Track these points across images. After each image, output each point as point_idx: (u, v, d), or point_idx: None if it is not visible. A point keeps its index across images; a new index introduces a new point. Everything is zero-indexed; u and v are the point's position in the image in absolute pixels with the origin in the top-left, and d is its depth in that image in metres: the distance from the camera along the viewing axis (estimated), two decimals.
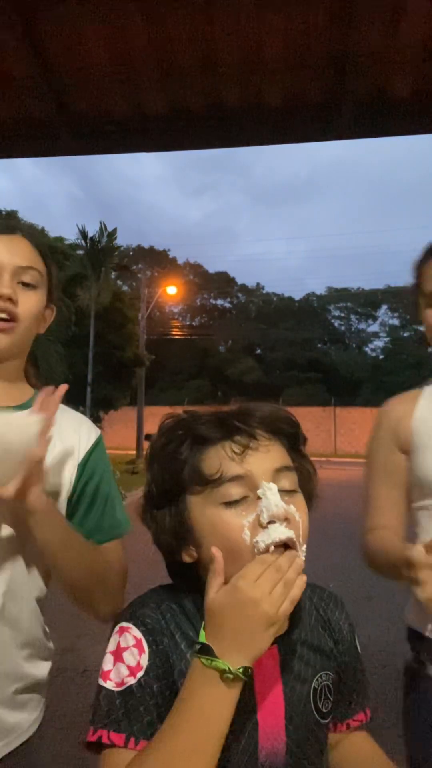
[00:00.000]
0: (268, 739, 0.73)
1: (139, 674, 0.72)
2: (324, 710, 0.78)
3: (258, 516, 0.69)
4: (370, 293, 45.79)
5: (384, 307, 45.62)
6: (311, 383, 35.87)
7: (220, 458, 0.72)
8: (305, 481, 0.78)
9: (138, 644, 0.74)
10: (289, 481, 0.74)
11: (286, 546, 0.69)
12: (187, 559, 0.77)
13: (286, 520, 0.69)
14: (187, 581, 0.80)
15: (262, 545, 0.68)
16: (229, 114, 2.26)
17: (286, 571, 0.66)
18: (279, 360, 40.53)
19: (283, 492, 0.71)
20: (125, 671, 0.73)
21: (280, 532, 0.68)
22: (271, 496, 0.69)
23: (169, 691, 0.72)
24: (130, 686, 0.72)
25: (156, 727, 0.69)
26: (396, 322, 45.01)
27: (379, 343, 45.43)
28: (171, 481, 0.75)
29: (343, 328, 47.67)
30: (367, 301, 45.91)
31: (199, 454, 0.74)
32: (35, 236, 1.06)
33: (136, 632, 0.75)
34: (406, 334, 43.29)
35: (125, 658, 0.74)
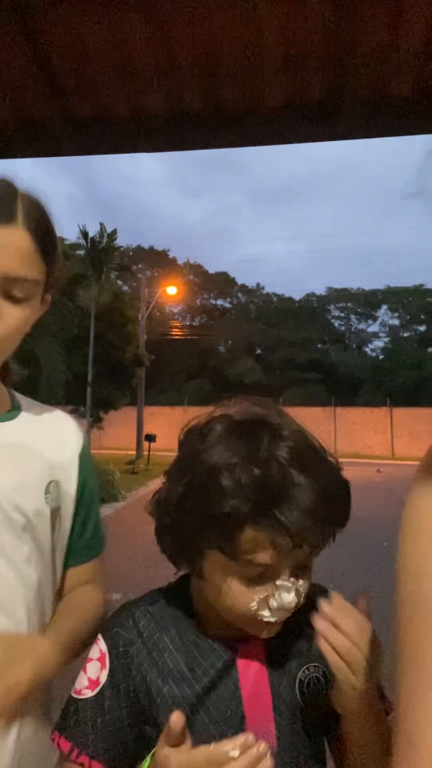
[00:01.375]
0: (257, 731, 0.71)
1: (96, 689, 0.75)
2: (314, 702, 0.76)
3: (268, 597, 0.70)
4: (370, 293, 45.80)
5: (384, 307, 45.64)
6: (311, 383, 35.87)
7: (255, 542, 0.67)
8: (326, 537, 0.74)
9: (101, 659, 0.77)
10: (310, 558, 0.73)
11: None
12: (194, 574, 0.78)
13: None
14: (186, 586, 0.83)
15: (266, 620, 0.70)
16: (229, 114, 2.26)
17: None
18: (279, 360, 40.54)
19: (298, 567, 0.71)
20: (85, 682, 0.76)
21: (282, 614, 0.71)
22: (285, 596, 0.70)
23: (126, 707, 0.74)
24: (86, 699, 0.75)
25: (98, 746, 0.72)
26: (396, 322, 45.05)
27: (379, 343, 45.50)
28: (197, 532, 0.70)
29: (343, 328, 47.69)
30: (367, 301, 45.93)
31: (235, 529, 0.67)
32: (39, 221, 0.83)
33: (103, 646, 0.77)
34: (406, 334, 43.33)
35: (88, 669, 0.77)
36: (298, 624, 0.78)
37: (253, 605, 0.70)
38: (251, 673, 0.75)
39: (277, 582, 0.69)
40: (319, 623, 0.66)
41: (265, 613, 0.70)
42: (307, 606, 0.77)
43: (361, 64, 2.00)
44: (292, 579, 0.70)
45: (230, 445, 0.69)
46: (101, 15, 1.87)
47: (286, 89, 2.17)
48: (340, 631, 0.65)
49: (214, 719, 0.72)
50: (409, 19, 1.84)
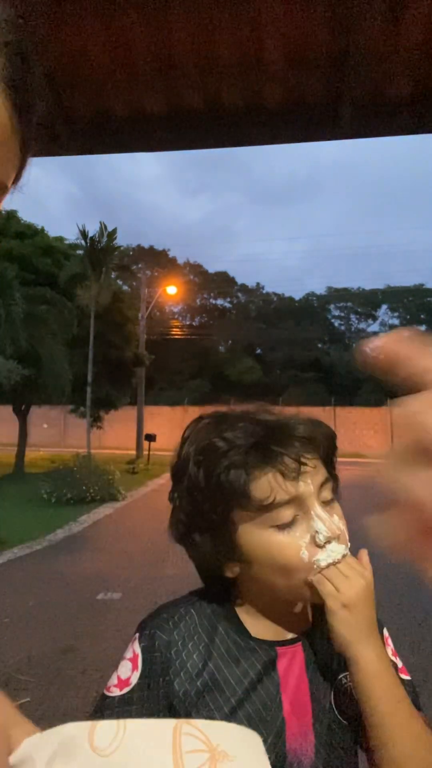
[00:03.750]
0: (296, 738, 0.72)
1: (125, 689, 0.73)
2: (348, 712, 0.75)
3: (313, 536, 0.70)
4: (370, 293, 45.81)
5: (384, 307, 45.65)
6: (311, 383, 35.85)
7: (269, 484, 0.70)
8: (336, 486, 0.78)
9: (134, 659, 0.75)
10: (329, 491, 0.74)
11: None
12: (228, 574, 0.77)
13: (338, 536, 0.71)
14: (224, 588, 0.81)
15: (324, 563, 0.70)
16: (228, 114, 2.26)
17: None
18: (279, 360, 40.53)
19: (325, 503, 0.72)
20: (115, 680, 0.75)
21: (338, 551, 0.70)
22: (325, 519, 0.71)
23: (156, 712, 0.72)
24: (113, 697, 0.73)
25: None
26: (396, 322, 45.01)
27: None
28: (215, 507, 0.73)
29: (343, 328, 47.69)
30: (367, 301, 45.92)
31: (247, 481, 0.70)
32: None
33: (137, 647, 0.76)
34: None
35: (120, 668, 0.76)
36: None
37: (303, 552, 0.70)
38: (292, 677, 0.75)
39: (312, 513, 0.70)
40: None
41: (320, 556, 0.70)
42: None
43: (361, 64, 2.00)
44: (326, 509, 0.72)
45: (220, 427, 0.75)
46: (101, 15, 1.87)
47: (286, 89, 2.17)
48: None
49: (255, 722, 0.71)
50: (408, 19, 1.85)
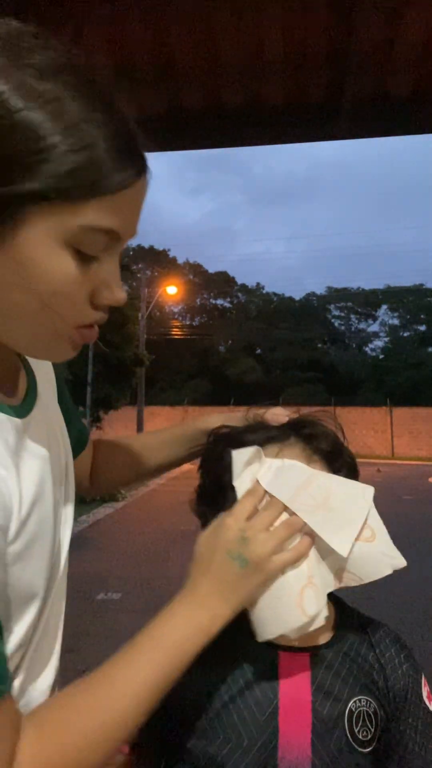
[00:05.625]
0: (290, 750, 0.68)
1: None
2: (361, 737, 0.70)
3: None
4: (370, 293, 45.82)
5: (384, 307, 45.63)
6: (311, 383, 35.86)
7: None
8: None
9: None
10: None
11: None
12: None
13: None
14: None
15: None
16: (229, 114, 2.26)
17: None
18: (279, 360, 40.53)
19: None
20: None
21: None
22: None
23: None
24: None
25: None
26: (396, 322, 45.04)
27: (379, 343, 45.49)
28: (217, 483, 0.76)
29: (343, 328, 47.69)
30: (367, 301, 45.93)
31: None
32: None
33: None
34: (406, 334, 43.32)
35: None
36: (354, 649, 0.76)
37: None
38: (292, 686, 0.72)
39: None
40: None
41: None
42: (367, 638, 0.77)
43: (361, 64, 2.00)
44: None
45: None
46: (101, 15, 1.87)
47: (286, 89, 2.17)
48: None
49: (245, 721, 0.69)
50: (408, 19, 1.85)
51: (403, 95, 2.17)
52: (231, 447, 0.75)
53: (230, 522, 0.63)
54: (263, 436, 0.76)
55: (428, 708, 0.73)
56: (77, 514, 9.13)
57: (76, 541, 7.40)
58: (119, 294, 0.53)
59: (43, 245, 0.47)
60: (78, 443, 0.85)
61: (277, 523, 0.63)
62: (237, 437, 0.78)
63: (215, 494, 0.76)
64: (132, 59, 2.04)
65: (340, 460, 0.77)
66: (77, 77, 0.48)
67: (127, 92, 2.18)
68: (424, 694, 0.74)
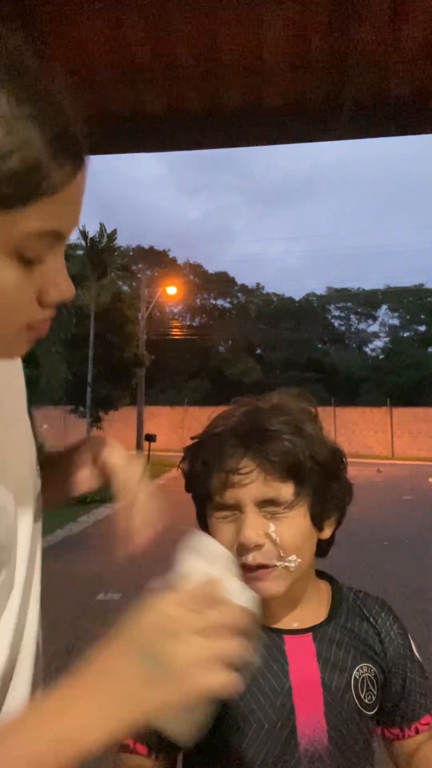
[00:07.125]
0: (307, 725, 0.73)
1: None
2: (367, 701, 0.77)
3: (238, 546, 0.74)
4: (370, 293, 45.79)
5: (384, 307, 45.62)
6: (311, 383, 35.83)
7: (221, 484, 0.76)
8: (323, 504, 0.77)
9: None
10: (274, 504, 0.74)
11: (261, 566, 0.72)
12: None
13: (257, 547, 0.72)
14: None
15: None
16: (229, 114, 2.26)
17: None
18: (279, 360, 40.52)
19: (266, 513, 0.74)
20: None
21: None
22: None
23: None
24: None
25: (141, 731, 0.72)
26: (396, 322, 45.03)
27: (379, 343, 45.46)
28: (196, 491, 0.82)
29: (343, 328, 47.68)
30: (367, 301, 45.92)
31: (209, 477, 0.78)
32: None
33: None
34: (406, 334, 43.31)
35: None
36: (350, 620, 0.82)
37: (233, 550, 0.72)
38: (301, 665, 0.76)
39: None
40: None
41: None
42: (360, 608, 0.84)
43: (360, 65, 2.00)
44: (259, 517, 0.76)
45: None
46: (101, 15, 1.87)
47: (286, 89, 2.17)
48: None
49: (263, 707, 0.73)
50: (408, 20, 1.85)
51: (403, 95, 2.17)
52: (203, 462, 0.78)
53: (170, 609, 0.52)
54: (221, 463, 0.76)
55: (418, 658, 0.84)
56: (77, 514, 9.12)
57: (77, 541, 7.40)
58: (67, 290, 0.52)
59: None
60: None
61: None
62: (205, 454, 0.79)
63: (196, 496, 0.83)
64: (132, 59, 2.04)
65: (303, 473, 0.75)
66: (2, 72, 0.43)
67: (127, 92, 2.19)
68: (414, 646, 0.85)
